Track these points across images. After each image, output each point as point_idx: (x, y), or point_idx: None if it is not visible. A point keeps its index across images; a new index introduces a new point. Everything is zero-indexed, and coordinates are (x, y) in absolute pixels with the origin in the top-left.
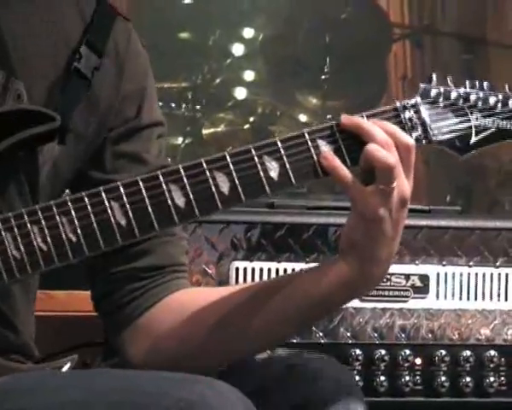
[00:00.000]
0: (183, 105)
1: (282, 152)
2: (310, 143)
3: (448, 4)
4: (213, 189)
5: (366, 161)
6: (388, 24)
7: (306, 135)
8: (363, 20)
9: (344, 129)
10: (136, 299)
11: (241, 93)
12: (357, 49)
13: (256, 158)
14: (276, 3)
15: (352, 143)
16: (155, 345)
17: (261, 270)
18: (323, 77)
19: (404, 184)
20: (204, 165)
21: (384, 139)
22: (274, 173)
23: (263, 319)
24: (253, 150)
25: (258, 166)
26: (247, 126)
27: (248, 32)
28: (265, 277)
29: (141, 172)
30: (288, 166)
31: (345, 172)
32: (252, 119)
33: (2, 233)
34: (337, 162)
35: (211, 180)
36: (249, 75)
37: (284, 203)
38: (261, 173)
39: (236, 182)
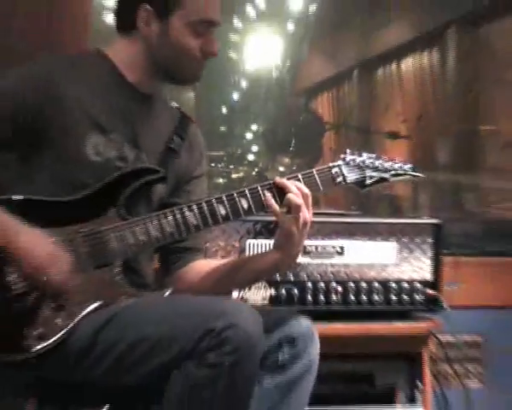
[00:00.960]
0: (222, 164)
1: (249, 196)
2: (260, 191)
3: (354, 111)
4: (239, 206)
5: (287, 202)
6: (322, 122)
7: (259, 187)
8: (310, 121)
9: (277, 185)
10: (175, 262)
11: (251, 157)
12: (307, 135)
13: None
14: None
15: (281, 192)
16: (185, 286)
17: (261, 245)
18: (291, 149)
19: (305, 214)
20: (235, 194)
21: (296, 191)
22: (246, 206)
23: (233, 280)
24: (246, 190)
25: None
26: (253, 174)
27: (255, 127)
28: (263, 249)
29: (193, 199)
30: (251, 202)
31: (276, 207)
32: (256, 170)
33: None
34: (272, 202)
35: (238, 201)
36: (255, 148)
37: None
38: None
39: (251, 203)
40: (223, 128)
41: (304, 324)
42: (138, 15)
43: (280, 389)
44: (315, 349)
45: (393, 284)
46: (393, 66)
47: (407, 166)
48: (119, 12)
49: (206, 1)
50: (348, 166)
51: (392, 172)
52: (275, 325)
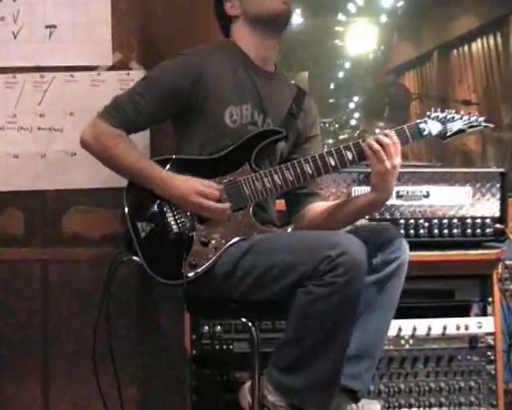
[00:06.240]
0: (331, 127)
1: (352, 148)
2: (362, 144)
3: (434, 84)
4: (345, 157)
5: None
6: (409, 93)
7: (360, 141)
8: (399, 92)
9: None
10: (298, 204)
11: (353, 122)
12: (397, 104)
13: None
14: (367, 93)
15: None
16: (304, 224)
17: (364, 191)
18: (385, 115)
19: (394, 160)
20: (341, 148)
21: (387, 141)
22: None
23: (339, 217)
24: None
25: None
26: (355, 135)
27: (356, 98)
28: (361, 192)
29: (310, 154)
30: (354, 153)
31: (369, 151)
32: (357, 132)
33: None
34: (367, 148)
35: (344, 153)
36: (356, 115)
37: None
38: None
39: (354, 154)
40: (331, 100)
41: (394, 233)
42: (226, 9)
43: (373, 286)
44: (404, 255)
45: (469, 220)
46: (465, 47)
47: (481, 119)
48: (219, 21)
49: None
50: (432, 121)
51: (469, 125)
52: (371, 234)
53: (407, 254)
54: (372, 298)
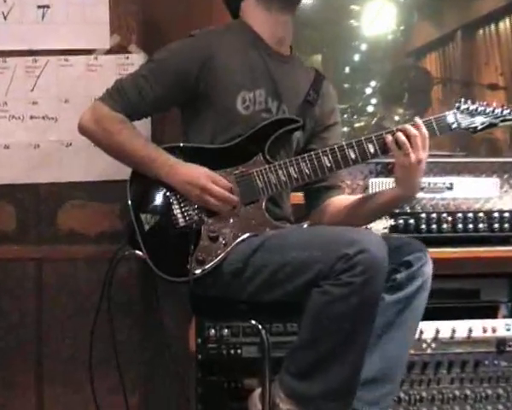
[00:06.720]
0: (346, 115)
1: (375, 141)
2: (385, 136)
3: (458, 66)
4: (367, 150)
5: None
6: (431, 77)
7: (384, 133)
8: (419, 76)
9: (399, 130)
10: (317, 198)
11: (370, 109)
12: (417, 89)
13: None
14: (385, 78)
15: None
16: (325, 220)
17: (382, 183)
18: (404, 101)
19: (419, 153)
20: (363, 140)
21: (415, 132)
22: (372, 150)
23: (361, 214)
24: (372, 136)
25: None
26: (372, 123)
27: (373, 83)
28: (383, 186)
29: (328, 145)
30: (376, 146)
31: (393, 145)
32: (375, 119)
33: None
34: (390, 140)
35: (365, 146)
36: (374, 101)
37: None
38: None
39: (377, 147)
40: (346, 85)
41: (418, 248)
42: None
43: (397, 305)
44: (428, 270)
45: (496, 214)
46: (492, 27)
47: None
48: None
49: None
50: (462, 114)
51: (502, 118)
52: (393, 250)
53: (431, 270)
54: (394, 317)
